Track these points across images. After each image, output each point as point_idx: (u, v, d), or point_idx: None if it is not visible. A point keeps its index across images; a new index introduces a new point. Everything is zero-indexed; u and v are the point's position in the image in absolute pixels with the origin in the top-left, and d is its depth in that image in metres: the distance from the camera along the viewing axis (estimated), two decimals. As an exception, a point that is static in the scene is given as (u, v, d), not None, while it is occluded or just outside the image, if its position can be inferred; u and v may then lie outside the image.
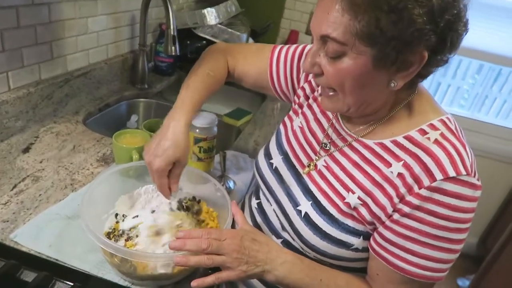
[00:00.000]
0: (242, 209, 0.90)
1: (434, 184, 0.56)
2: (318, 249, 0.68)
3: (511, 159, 2.27)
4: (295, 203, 0.72)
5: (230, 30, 1.67)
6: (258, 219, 0.82)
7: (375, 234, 0.64)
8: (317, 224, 0.67)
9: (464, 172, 0.56)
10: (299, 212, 0.70)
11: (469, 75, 2.27)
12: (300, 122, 0.80)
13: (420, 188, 0.57)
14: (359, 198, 0.64)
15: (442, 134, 0.59)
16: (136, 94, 1.44)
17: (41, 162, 0.93)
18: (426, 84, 2.30)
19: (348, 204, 0.65)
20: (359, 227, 0.65)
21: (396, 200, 0.60)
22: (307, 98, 0.81)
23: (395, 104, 0.64)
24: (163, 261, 0.61)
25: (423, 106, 0.64)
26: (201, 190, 0.83)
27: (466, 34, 0.56)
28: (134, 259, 0.60)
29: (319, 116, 0.77)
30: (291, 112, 0.85)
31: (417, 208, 0.57)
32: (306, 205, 0.70)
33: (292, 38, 2.09)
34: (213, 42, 1.66)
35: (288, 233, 0.74)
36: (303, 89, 0.82)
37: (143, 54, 1.43)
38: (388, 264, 0.62)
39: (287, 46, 0.86)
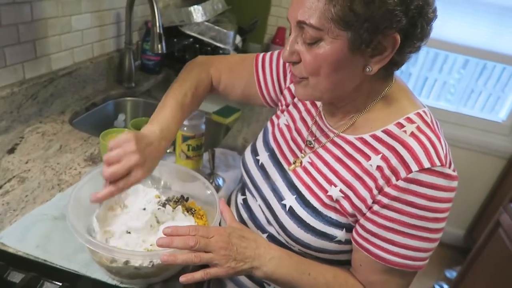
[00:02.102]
0: (229, 205, 0.90)
1: (410, 176, 0.58)
2: (302, 241, 0.69)
3: (496, 152, 2.32)
4: (280, 198, 0.73)
5: (217, 27, 1.66)
6: (244, 215, 0.83)
7: (357, 226, 0.66)
8: (301, 217, 0.69)
9: (438, 163, 0.57)
10: (284, 206, 0.72)
11: (455, 70, 2.31)
12: (286, 120, 0.81)
13: (397, 180, 0.59)
14: (341, 191, 0.66)
15: (418, 127, 0.61)
16: (123, 93, 1.43)
17: (27, 162, 0.92)
18: (413, 79, 2.34)
19: (330, 197, 0.67)
20: (342, 220, 0.67)
21: (375, 191, 0.62)
22: (292, 97, 0.82)
23: (372, 95, 0.66)
24: (149, 259, 0.61)
25: (400, 98, 0.66)
26: (190, 188, 0.83)
27: (435, 20, 0.58)
28: (121, 258, 0.60)
29: (304, 114, 0.78)
30: (278, 112, 0.87)
31: (395, 199, 0.59)
32: (290, 199, 0.71)
33: (279, 35, 2.09)
34: (200, 40, 1.66)
35: (274, 227, 0.75)
36: (289, 89, 0.83)
37: (129, 53, 1.42)
38: (370, 254, 0.64)
39: (269, 52, 0.88)
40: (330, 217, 0.67)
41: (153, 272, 0.62)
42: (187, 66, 0.88)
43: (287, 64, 0.83)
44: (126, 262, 0.60)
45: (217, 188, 0.98)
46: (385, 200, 0.60)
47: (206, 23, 1.65)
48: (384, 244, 0.62)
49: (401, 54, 0.59)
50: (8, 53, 0.99)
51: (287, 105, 0.83)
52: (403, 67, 2.24)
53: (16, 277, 0.61)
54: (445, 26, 2.12)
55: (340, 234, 0.67)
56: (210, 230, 0.63)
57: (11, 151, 0.95)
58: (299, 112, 0.79)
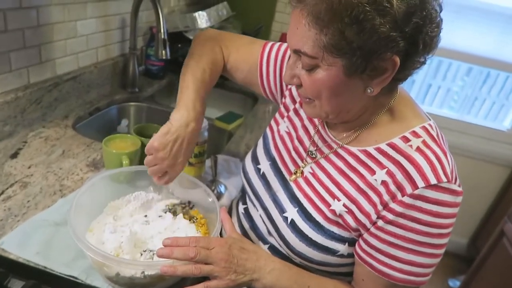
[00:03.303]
0: (231, 214, 0.90)
1: (416, 192, 0.57)
2: (304, 255, 0.68)
3: (500, 160, 2.30)
4: (282, 210, 0.72)
5: (221, 33, 1.66)
6: (246, 224, 0.82)
7: (360, 241, 0.65)
8: (303, 231, 0.68)
9: (445, 179, 0.57)
10: (286, 218, 0.71)
11: (459, 77, 2.30)
12: (287, 127, 0.80)
13: (403, 196, 0.58)
14: (344, 205, 0.65)
15: (424, 142, 0.60)
16: (127, 98, 1.43)
17: (29, 167, 0.92)
18: (417, 86, 2.33)
19: (333, 211, 0.66)
20: (345, 234, 0.66)
21: (380, 207, 0.61)
22: (294, 101, 0.81)
23: (376, 109, 0.65)
24: (150, 269, 0.60)
25: (405, 112, 0.65)
26: (191, 194, 0.83)
27: (440, 34, 0.56)
28: (122, 267, 0.59)
29: (306, 123, 0.77)
30: (277, 115, 0.85)
31: (401, 215, 0.59)
32: (292, 212, 0.70)
33: (283, 41, 2.09)
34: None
35: (275, 239, 0.74)
36: (290, 91, 0.82)
37: (134, 58, 1.43)
38: (374, 270, 0.63)
39: (278, 43, 0.85)
40: (333, 232, 0.66)
41: (149, 283, 0.62)
42: (198, 39, 0.85)
43: None
44: (117, 274, 0.60)
45: (219, 195, 0.98)
46: (390, 216, 0.60)
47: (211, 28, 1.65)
48: (388, 260, 0.61)
49: (404, 71, 0.58)
50: (14, 57, 1.00)
51: (287, 109, 0.82)
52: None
53: (16, 284, 0.61)
54: (449, 34, 2.11)
55: (342, 248, 0.66)
56: (210, 241, 0.62)
57: (14, 155, 0.95)
58: (301, 120, 0.78)
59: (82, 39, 1.24)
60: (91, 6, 1.23)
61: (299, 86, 0.62)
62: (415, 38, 0.53)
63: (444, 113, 2.36)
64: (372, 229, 0.62)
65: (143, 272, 0.60)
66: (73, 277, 0.65)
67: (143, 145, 0.93)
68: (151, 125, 1.03)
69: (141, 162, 0.91)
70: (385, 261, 0.61)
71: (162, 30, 1.18)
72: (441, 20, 0.56)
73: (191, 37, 1.64)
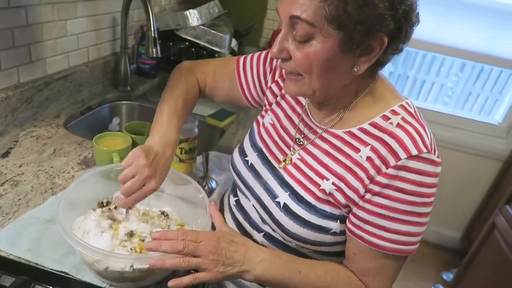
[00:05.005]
0: (222, 208, 0.91)
1: (399, 163, 0.61)
2: (299, 236, 0.71)
3: (492, 154, 2.32)
4: (273, 196, 0.74)
5: (212, 31, 1.67)
6: (239, 216, 0.83)
7: (350, 215, 0.68)
8: (296, 213, 0.70)
9: (425, 150, 0.61)
10: (278, 203, 0.73)
11: (453, 73, 2.32)
12: (271, 119, 0.83)
13: (387, 168, 0.62)
14: (333, 183, 0.68)
15: (403, 118, 0.64)
16: (119, 97, 1.43)
17: (20, 166, 0.92)
18: (410, 81, 2.35)
19: (323, 191, 0.68)
20: (336, 212, 0.69)
21: (367, 181, 0.64)
22: (274, 95, 0.84)
23: (357, 91, 0.68)
24: (138, 262, 0.61)
25: (384, 93, 0.68)
26: (182, 191, 0.83)
27: (417, 25, 0.60)
28: (110, 261, 0.60)
29: (289, 112, 0.80)
30: (263, 112, 0.88)
31: (386, 186, 0.62)
32: (284, 196, 0.72)
33: (275, 39, 2.10)
34: (196, 44, 1.67)
35: (269, 226, 0.76)
36: (270, 89, 0.85)
37: (125, 56, 1.43)
38: (364, 242, 0.66)
39: (250, 55, 0.90)
40: (325, 211, 0.69)
41: (139, 276, 0.63)
42: (174, 73, 0.90)
43: (266, 65, 0.85)
44: (106, 269, 0.61)
45: (211, 191, 0.99)
46: (376, 188, 0.63)
47: (202, 27, 1.66)
48: (376, 231, 0.64)
49: (385, 55, 0.61)
50: (3, 57, 1.00)
51: (270, 104, 0.84)
52: (401, 71, 2.25)
53: (7, 281, 0.61)
54: (442, 30, 2.13)
55: (335, 226, 0.69)
56: (199, 234, 0.63)
57: (5, 155, 0.96)
58: (283, 110, 0.81)
59: (73, 38, 1.24)
60: (80, 5, 1.23)
61: (285, 60, 0.63)
62: (401, 23, 0.57)
63: (439, 108, 2.37)
64: (360, 202, 0.65)
65: (131, 266, 0.60)
66: (64, 272, 0.66)
67: (134, 143, 0.94)
68: (142, 123, 1.04)
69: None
70: (373, 231, 0.64)
71: (152, 28, 1.18)
72: (419, 13, 0.59)
73: (182, 35, 1.64)
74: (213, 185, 1.00)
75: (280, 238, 0.76)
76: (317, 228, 0.69)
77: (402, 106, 0.66)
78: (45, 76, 1.16)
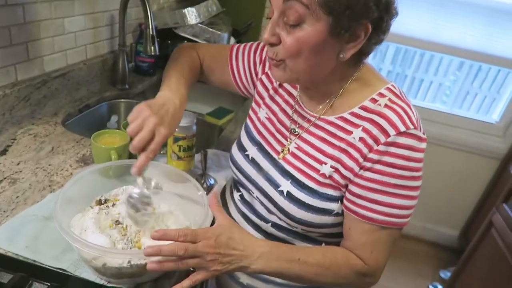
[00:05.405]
0: (225, 204, 0.92)
1: (389, 139, 0.65)
2: (304, 221, 0.73)
3: (490, 153, 2.33)
4: (276, 185, 0.77)
5: (211, 29, 1.67)
6: (244, 210, 0.86)
7: (346, 193, 0.71)
8: (299, 199, 0.73)
9: (412, 127, 0.64)
10: (281, 192, 0.75)
11: (451, 72, 2.33)
12: (266, 113, 0.85)
13: (378, 145, 0.66)
14: (331, 166, 0.71)
15: (390, 99, 0.68)
16: (117, 95, 1.43)
17: (18, 164, 0.92)
18: (408, 80, 2.35)
19: (323, 175, 0.72)
20: (337, 193, 0.72)
21: (361, 160, 0.68)
22: (266, 89, 0.86)
23: (344, 78, 0.71)
24: (136, 258, 0.61)
25: (370, 78, 0.72)
26: (180, 189, 0.83)
27: (396, 17, 0.65)
28: (107, 257, 0.60)
29: (284, 106, 0.82)
30: (253, 104, 0.90)
31: (377, 162, 0.66)
32: (286, 185, 0.75)
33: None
34: (194, 42, 1.67)
35: (275, 215, 0.79)
36: (261, 81, 0.88)
37: (123, 54, 1.43)
38: (358, 216, 0.69)
39: (243, 44, 0.93)
40: (326, 193, 0.72)
41: (136, 272, 0.63)
42: (174, 51, 0.93)
43: (257, 55, 0.88)
44: (104, 265, 0.61)
45: (209, 189, 0.99)
46: (368, 164, 0.67)
47: (200, 25, 1.66)
48: (370, 205, 0.67)
49: (369, 44, 0.65)
50: (0, 55, 0.99)
51: (262, 97, 0.87)
52: (399, 70, 2.26)
53: (4, 277, 0.61)
54: (438, 28, 2.13)
55: (336, 206, 0.72)
56: (198, 234, 0.63)
57: (3, 152, 0.95)
58: (278, 104, 0.83)
59: (70, 36, 1.24)
60: (78, 3, 1.23)
61: (274, 45, 0.65)
62: (383, 13, 0.61)
63: (437, 107, 2.38)
64: (354, 178, 0.69)
65: (129, 262, 0.60)
66: (62, 269, 0.66)
67: (131, 140, 0.94)
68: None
69: (130, 157, 0.92)
70: (367, 205, 0.68)
71: (150, 26, 1.18)
72: (397, 6, 0.64)
73: (181, 34, 1.64)
74: (212, 182, 1.00)
75: (286, 225, 0.78)
76: (320, 211, 0.72)
77: (388, 89, 0.70)
78: (43, 74, 1.15)
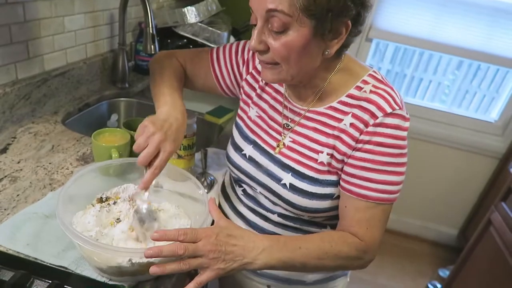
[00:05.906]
0: (228, 199, 0.94)
1: (377, 121, 0.69)
2: (310, 209, 0.77)
3: (489, 152, 2.34)
4: (278, 179, 0.79)
5: (210, 28, 1.67)
6: (249, 203, 0.87)
7: (341, 174, 0.75)
8: (302, 189, 0.76)
9: (397, 107, 0.70)
10: (284, 185, 0.78)
11: (450, 71, 2.33)
12: (256, 112, 0.86)
13: (367, 127, 0.70)
14: (327, 154, 0.75)
15: (374, 85, 0.73)
16: (117, 94, 1.43)
17: (18, 162, 0.93)
18: (408, 79, 2.36)
19: (322, 163, 0.75)
20: (336, 177, 0.76)
21: (353, 143, 0.72)
22: (253, 89, 0.87)
23: (328, 71, 0.75)
24: (137, 256, 0.61)
25: (352, 67, 0.76)
26: (181, 187, 0.84)
27: (370, 9, 0.68)
28: (108, 254, 0.60)
29: (273, 103, 0.84)
30: (242, 104, 0.90)
31: (367, 142, 0.70)
32: (287, 177, 0.78)
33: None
34: (193, 41, 1.67)
35: (281, 206, 0.81)
36: (246, 81, 0.88)
37: (123, 53, 1.43)
38: (352, 194, 0.73)
39: (222, 46, 0.93)
40: (327, 180, 0.75)
41: (137, 270, 0.63)
42: (153, 62, 0.93)
43: (239, 57, 0.89)
44: (105, 262, 0.61)
45: (209, 187, 0.99)
46: (359, 145, 0.71)
47: (200, 24, 1.66)
48: (363, 183, 0.71)
49: (349, 37, 0.69)
50: (0, 53, 1.00)
51: (250, 97, 0.88)
52: (398, 69, 2.27)
53: (6, 275, 0.61)
54: (438, 27, 2.14)
55: (337, 190, 0.76)
56: (198, 233, 0.63)
57: (3, 151, 0.96)
58: (266, 101, 0.85)
59: (70, 35, 1.24)
60: (78, 1, 1.23)
61: (263, 52, 0.68)
62: (359, 9, 0.65)
63: (436, 106, 2.38)
64: (347, 160, 0.73)
65: (130, 260, 0.60)
66: (63, 267, 0.66)
67: (132, 139, 0.94)
68: (140, 119, 1.03)
69: (130, 156, 0.92)
70: (360, 183, 0.72)
71: (150, 25, 1.18)
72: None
73: (180, 33, 1.64)
74: (212, 181, 1.01)
75: (292, 215, 0.81)
76: (323, 197, 0.76)
77: (371, 75, 0.74)
78: (43, 72, 1.16)
